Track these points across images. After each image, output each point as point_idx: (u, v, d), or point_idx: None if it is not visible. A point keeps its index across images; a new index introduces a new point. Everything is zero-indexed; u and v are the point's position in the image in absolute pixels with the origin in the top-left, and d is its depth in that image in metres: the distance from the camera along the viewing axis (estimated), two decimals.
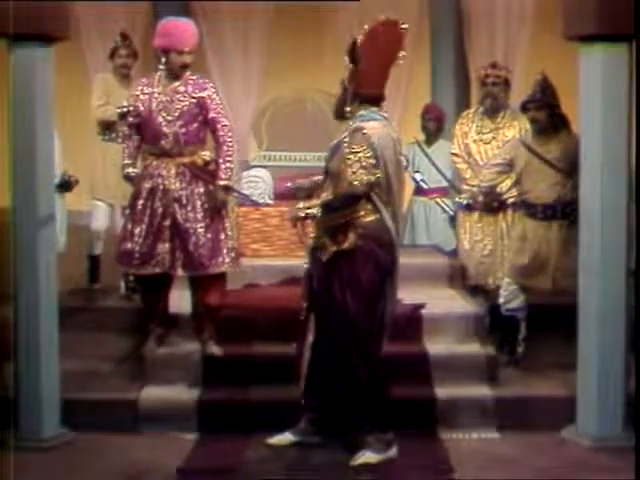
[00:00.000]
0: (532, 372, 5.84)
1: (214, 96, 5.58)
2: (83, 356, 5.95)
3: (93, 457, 5.03)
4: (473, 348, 5.79)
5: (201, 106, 5.53)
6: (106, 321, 6.43)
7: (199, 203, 5.53)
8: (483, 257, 6.52)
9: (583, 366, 5.29)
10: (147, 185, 5.55)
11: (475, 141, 6.61)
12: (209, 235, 5.52)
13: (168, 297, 5.81)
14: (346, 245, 4.83)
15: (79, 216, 7.04)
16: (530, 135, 5.99)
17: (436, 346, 5.73)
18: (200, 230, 5.50)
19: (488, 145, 6.56)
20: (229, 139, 5.56)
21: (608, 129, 5.13)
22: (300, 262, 5.19)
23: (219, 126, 5.55)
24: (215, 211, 5.55)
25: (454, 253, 6.98)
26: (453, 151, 6.76)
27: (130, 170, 5.67)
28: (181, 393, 5.49)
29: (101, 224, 6.99)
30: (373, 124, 4.84)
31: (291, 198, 5.30)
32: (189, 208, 5.51)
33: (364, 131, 4.80)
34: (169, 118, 5.52)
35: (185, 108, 5.52)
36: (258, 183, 7.11)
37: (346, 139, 4.85)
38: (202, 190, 5.54)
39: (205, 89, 5.56)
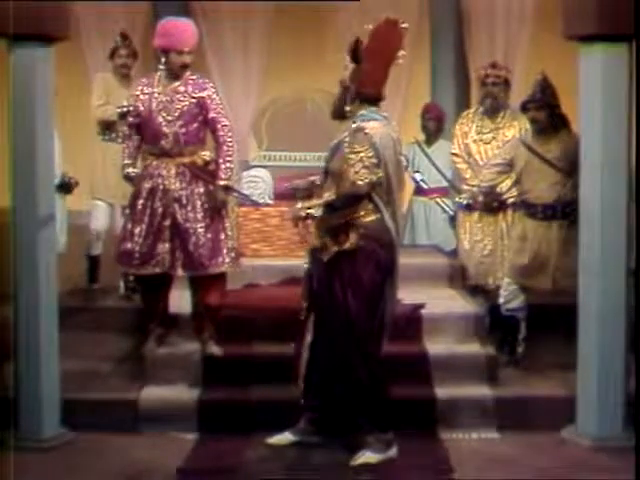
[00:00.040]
0: (532, 372, 5.84)
1: (214, 96, 5.58)
2: (83, 356, 5.95)
3: (93, 457, 5.03)
4: (473, 348, 5.79)
5: (201, 106, 5.53)
6: (106, 321, 6.43)
7: (199, 203, 5.53)
8: (483, 257, 6.52)
9: (583, 366, 5.28)
10: (147, 185, 5.55)
11: (475, 141, 6.61)
12: (209, 235, 5.52)
13: (168, 297, 5.80)
14: (347, 245, 4.83)
15: (79, 216, 7.04)
16: (530, 135, 5.99)
17: (436, 346, 5.73)
18: (200, 230, 5.50)
19: (488, 145, 6.57)
20: (229, 139, 5.56)
21: (608, 129, 5.13)
22: (300, 262, 5.19)
23: (219, 126, 5.55)
24: (215, 211, 5.55)
25: (454, 253, 6.98)
26: (453, 151, 6.76)
27: (130, 170, 5.67)
28: (181, 393, 5.49)
29: (101, 224, 6.98)
30: (373, 124, 4.85)
31: (291, 198, 5.30)
32: (189, 208, 5.51)
33: (365, 131, 4.80)
34: (169, 118, 5.52)
35: (185, 108, 5.52)
36: (258, 183, 7.12)
37: (347, 139, 4.85)
38: (202, 190, 5.54)
39: (205, 89, 5.56)
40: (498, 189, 6.30)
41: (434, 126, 7.78)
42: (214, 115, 5.54)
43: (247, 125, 8.56)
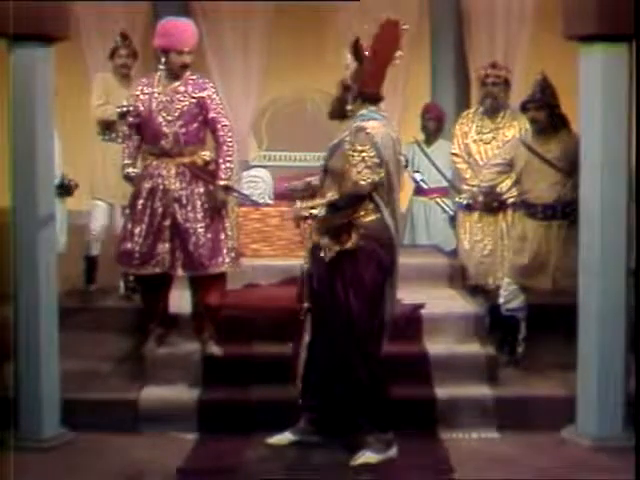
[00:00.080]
0: (532, 372, 5.84)
1: (214, 96, 5.58)
2: (83, 356, 5.95)
3: (93, 457, 5.03)
4: (473, 348, 5.79)
5: (201, 106, 5.53)
6: (106, 321, 6.43)
7: (199, 203, 5.53)
8: (483, 257, 6.52)
9: (583, 366, 5.28)
10: (147, 185, 5.55)
11: (475, 141, 6.61)
12: (209, 235, 5.52)
13: (168, 297, 5.80)
14: (349, 245, 4.83)
15: (79, 216, 7.04)
16: (530, 135, 5.99)
17: (436, 346, 5.73)
18: (200, 230, 5.50)
19: (488, 145, 6.57)
20: (229, 139, 5.56)
21: (608, 129, 5.13)
22: (300, 262, 5.18)
23: (219, 126, 5.55)
24: (215, 211, 5.55)
25: (454, 253, 6.98)
26: (453, 151, 6.76)
27: (130, 170, 5.67)
28: (181, 393, 5.49)
29: (100, 224, 6.98)
30: (373, 123, 4.85)
31: (291, 198, 5.30)
32: (189, 208, 5.51)
33: (367, 130, 4.80)
34: (169, 118, 5.52)
35: (185, 108, 5.52)
36: (258, 183, 7.12)
37: (347, 138, 4.85)
38: (202, 190, 5.54)
39: (205, 89, 5.56)
40: (498, 189, 6.30)
41: (434, 126, 7.78)
42: (214, 115, 5.54)
43: (247, 125, 8.55)
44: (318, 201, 4.90)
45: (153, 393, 5.49)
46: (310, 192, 5.05)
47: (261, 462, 4.95)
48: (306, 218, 4.90)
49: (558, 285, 5.84)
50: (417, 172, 7.52)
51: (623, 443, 5.07)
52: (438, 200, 7.50)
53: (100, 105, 6.87)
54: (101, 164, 6.94)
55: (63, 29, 5.18)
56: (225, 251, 5.56)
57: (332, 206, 4.84)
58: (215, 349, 5.60)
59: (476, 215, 6.53)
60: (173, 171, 5.53)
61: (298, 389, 5.08)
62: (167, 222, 5.51)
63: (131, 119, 5.68)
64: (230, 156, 5.56)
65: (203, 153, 5.60)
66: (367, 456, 4.89)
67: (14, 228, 5.14)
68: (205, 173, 5.57)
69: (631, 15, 4.93)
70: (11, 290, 5.15)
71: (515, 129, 6.48)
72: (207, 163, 5.59)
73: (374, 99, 4.94)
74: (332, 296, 4.87)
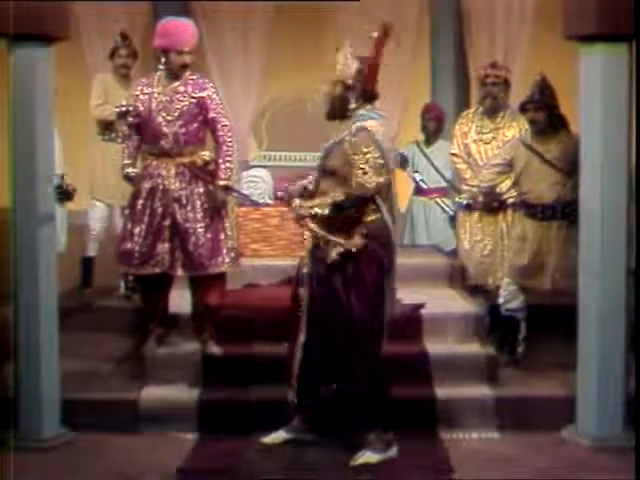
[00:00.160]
0: (532, 372, 5.84)
1: (214, 96, 5.58)
2: (83, 356, 5.95)
3: (93, 457, 5.03)
4: (473, 348, 5.79)
5: (201, 106, 5.53)
6: (106, 321, 6.43)
7: (199, 203, 5.53)
8: (483, 257, 6.53)
9: (583, 366, 5.28)
10: (147, 185, 5.55)
11: (475, 141, 6.61)
12: (209, 235, 5.52)
13: (168, 297, 5.80)
14: (351, 245, 4.82)
15: (79, 216, 7.03)
16: (529, 135, 6.00)
17: (436, 346, 5.73)
18: (200, 230, 5.50)
19: (488, 145, 6.57)
20: (229, 139, 5.57)
21: (608, 129, 5.13)
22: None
23: (219, 126, 5.55)
24: (215, 211, 5.55)
25: (454, 253, 6.98)
26: (453, 151, 6.76)
27: (130, 170, 5.67)
28: (181, 393, 5.49)
29: (98, 225, 6.99)
30: (371, 123, 4.85)
31: (287, 203, 5.29)
32: (189, 208, 5.51)
33: (369, 130, 4.80)
34: (169, 118, 5.52)
35: (185, 108, 5.52)
36: (258, 183, 7.12)
37: (347, 138, 4.84)
38: (202, 190, 5.54)
39: (205, 89, 5.56)
40: (498, 189, 6.30)
41: (434, 126, 7.78)
42: (214, 115, 5.54)
43: (247, 125, 8.54)
44: (319, 201, 4.86)
45: (153, 393, 5.49)
46: (308, 193, 5.04)
47: (261, 462, 4.94)
48: (312, 217, 4.86)
49: (558, 285, 5.84)
50: (416, 172, 7.52)
51: (623, 443, 5.07)
52: (438, 200, 7.51)
53: (99, 105, 6.88)
54: (101, 164, 6.95)
55: (63, 29, 5.18)
56: (225, 251, 5.56)
57: (338, 206, 4.83)
58: (215, 349, 5.60)
59: (476, 215, 6.54)
60: (173, 171, 5.53)
61: (293, 388, 5.08)
62: (167, 222, 5.51)
63: (131, 119, 5.68)
64: (230, 156, 5.56)
65: (203, 153, 5.60)
66: (367, 456, 4.89)
67: (14, 228, 5.14)
68: (205, 173, 5.57)
69: (631, 15, 4.93)
70: (11, 290, 5.15)
71: (515, 129, 6.48)
72: (207, 163, 5.59)
73: (373, 98, 4.94)
74: (333, 296, 4.86)
